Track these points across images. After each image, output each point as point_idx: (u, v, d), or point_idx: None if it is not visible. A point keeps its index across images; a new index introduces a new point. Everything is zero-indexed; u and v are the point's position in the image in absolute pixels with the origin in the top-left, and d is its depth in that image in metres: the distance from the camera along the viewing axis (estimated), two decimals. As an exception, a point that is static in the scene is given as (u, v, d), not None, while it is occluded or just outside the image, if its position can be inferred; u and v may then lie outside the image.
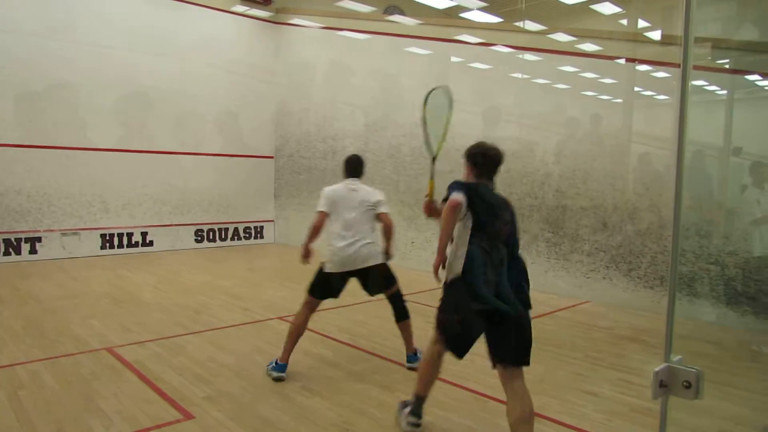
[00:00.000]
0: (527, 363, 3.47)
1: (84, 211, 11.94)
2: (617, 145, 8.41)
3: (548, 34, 9.49)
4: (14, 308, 7.38)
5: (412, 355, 5.28)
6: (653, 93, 8.93)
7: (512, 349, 3.44)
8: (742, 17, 7.76)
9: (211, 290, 8.72)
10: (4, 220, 10.97)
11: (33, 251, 11.27)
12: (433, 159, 4.24)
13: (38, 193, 11.36)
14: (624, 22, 9.48)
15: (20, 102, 11.10)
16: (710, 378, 1.56)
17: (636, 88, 8.73)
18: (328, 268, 5.08)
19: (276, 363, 5.00)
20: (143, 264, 11.11)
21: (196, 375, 5.01)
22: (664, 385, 1.57)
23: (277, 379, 4.90)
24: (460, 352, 3.57)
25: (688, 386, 1.54)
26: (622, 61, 8.68)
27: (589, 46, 9.09)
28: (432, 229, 10.31)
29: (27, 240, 11.21)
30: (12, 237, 11.06)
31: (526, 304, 3.51)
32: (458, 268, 3.44)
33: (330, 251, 5.08)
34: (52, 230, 11.51)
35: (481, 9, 11.01)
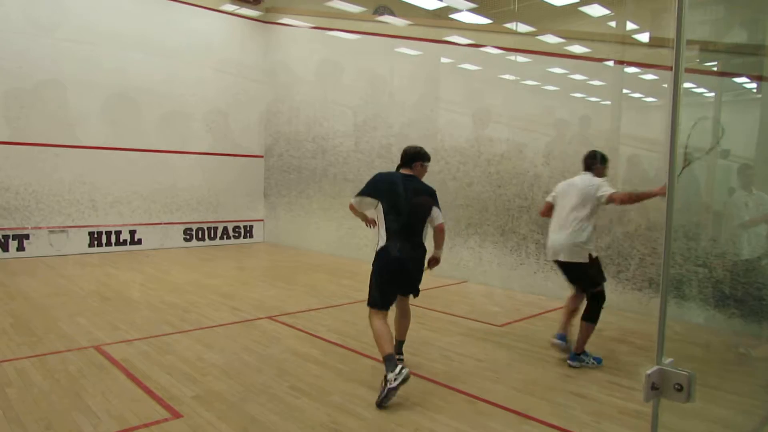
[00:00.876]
0: None
1: (72, 208, 11.87)
2: (606, 147, 8.43)
3: (537, 35, 9.52)
4: (2, 305, 7.33)
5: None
6: (642, 95, 8.97)
7: None
8: (730, 20, 7.81)
9: (199, 289, 8.69)
10: (-9, 218, 10.91)
11: (21, 248, 11.20)
12: None
13: (26, 191, 11.29)
14: (613, 24, 9.51)
15: (8, 99, 11.02)
16: (698, 380, 1.57)
17: (624, 90, 8.77)
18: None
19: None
20: (131, 262, 11.05)
21: (184, 374, 4.99)
22: (656, 387, 1.57)
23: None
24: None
25: (680, 389, 1.55)
26: (610, 63, 8.72)
27: (578, 48, 9.13)
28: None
29: (15, 237, 11.14)
30: (-1, 234, 10.99)
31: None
32: None
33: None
34: (40, 228, 11.43)
35: (471, 10, 11.02)
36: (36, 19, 11.21)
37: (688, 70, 7.31)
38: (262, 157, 15.02)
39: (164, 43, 12.97)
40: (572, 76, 9.28)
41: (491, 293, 9.02)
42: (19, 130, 11.18)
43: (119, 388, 4.61)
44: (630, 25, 8.93)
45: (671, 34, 1.67)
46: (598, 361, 5.46)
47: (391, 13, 12.56)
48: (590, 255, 5.38)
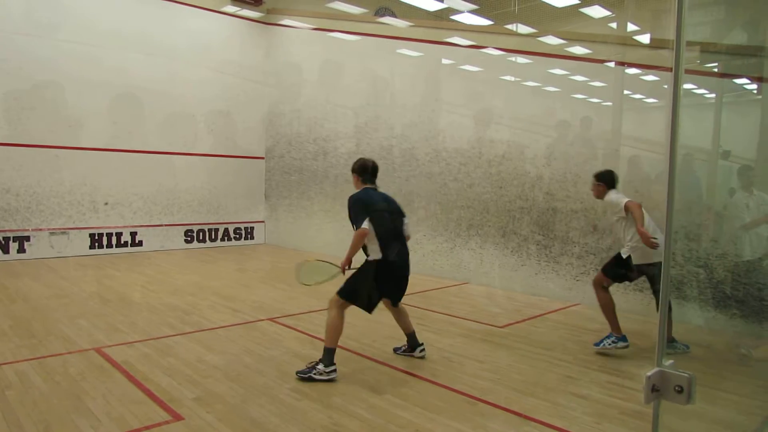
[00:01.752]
0: None
1: (73, 210, 11.88)
2: (607, 148, 8.45)
3: (538, 37, 9.52)
4: (2, 307, 7.33)
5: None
6: (642, 96, 8.96)
7: None
8: (730, 21, 7.81)
9: (200, 291, 8.69)
10: (-8, 219, 10.92)
11: (21, 250, 11.20)
12: None
13: (27, 192, 11.30)
14: (613, 25, 9.51)
15: (9, 100, 11.03)
16: (699, 381, 1.56)
17: (625, 92, 8.76)
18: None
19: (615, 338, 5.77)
20: (132, 264, 11.05)
21: (185, 376, 4.98)
22: (657, 389, 1.57)
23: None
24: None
25: (680, 390, 1.54)
26: (611, 64, 8.72)
27: (578, 50, 9.13)
28: (422, 231, 10.32)
29: (15, 239, 11.14)
30: (0, 236, 10.98)
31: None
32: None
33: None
34: (40, 229, 11.44)
35: (472, 12, 11.03)
36: (36, 20, 11.22)
37: (688, 72, 7.34)
38: (263, 158, 15.03)
39: (165, 45, 12.98)
40: (573, 78, 9.27)
41: (492, 294, 9.01)
42: (20, 131, 11.18)
43: (120, 391, 4.61)
44: (631, 27, 8.93)
45: (672, 35, 1.67)
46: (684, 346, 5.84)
47: (392, 15, 12.57)
48: None
